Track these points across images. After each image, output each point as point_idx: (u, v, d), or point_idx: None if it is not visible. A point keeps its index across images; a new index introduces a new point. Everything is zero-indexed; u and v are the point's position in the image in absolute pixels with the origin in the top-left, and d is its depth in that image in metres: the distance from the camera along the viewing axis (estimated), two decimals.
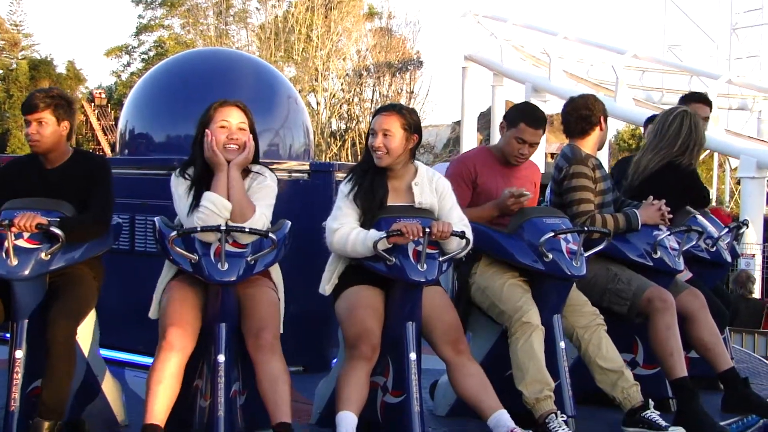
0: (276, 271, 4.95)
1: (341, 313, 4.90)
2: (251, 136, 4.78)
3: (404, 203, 4.96)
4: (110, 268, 5.20)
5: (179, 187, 4.75)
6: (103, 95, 50.72)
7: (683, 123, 6.14)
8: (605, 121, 5.85)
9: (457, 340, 4.93)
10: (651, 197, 5.79)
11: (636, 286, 5.59)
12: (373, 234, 4.68)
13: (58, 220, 4.60)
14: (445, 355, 4.92)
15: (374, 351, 4.75)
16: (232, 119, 4.74)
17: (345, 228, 4.81)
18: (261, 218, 4.64)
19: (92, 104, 48.20)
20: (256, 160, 4.87)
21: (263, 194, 4.76)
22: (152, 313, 4.79)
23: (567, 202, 5.65)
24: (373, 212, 4.88)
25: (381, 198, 4.92)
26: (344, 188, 4.97)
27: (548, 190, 6.02)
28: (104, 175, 4.94)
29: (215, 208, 4.54)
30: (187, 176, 4.77)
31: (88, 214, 4.79)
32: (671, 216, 5.77)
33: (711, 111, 6.97)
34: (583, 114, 5.78)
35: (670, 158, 6.08)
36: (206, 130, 4.68)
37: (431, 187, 5.00)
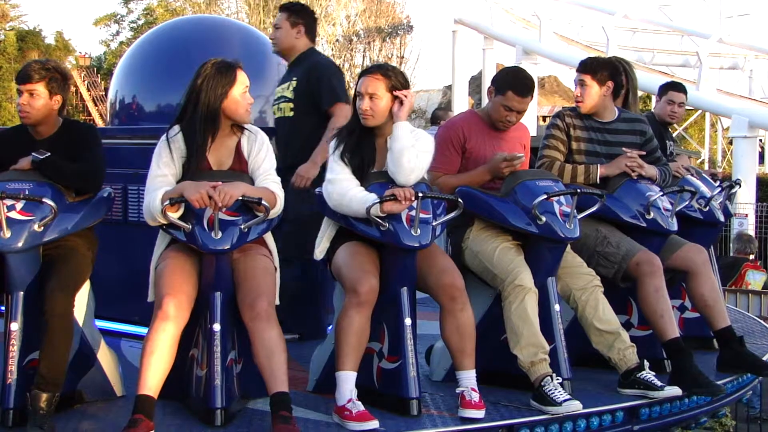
0: (270, 240, 4.95)
1: (339, 265, 4.90)
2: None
3: (386, 162, 4.94)
4: (104, 239, 5.19)
5: (160, 154, 4.79)
6: (86, 54, 50.67)
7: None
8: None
9: (453, 285, 4.92)
10: (630, 149, 5.86)
11: (625, 250, 5.60)
12: (369, 198, 4.69)
13: (41, 157, 4.66)
14: (440, 301, 4.94)
15: (373, 293, 4.73)
16: (247, 83, 4.81)
17: (345, 182, 4.84)
18: (280, 190, 4.75)
19: (79, 69, 47.95)
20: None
21: (264, 156, 4.82)
22: (151, 296, 4.75)
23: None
24: (363, 171, 4.91)
25: (369, 155, 4.95)
26: (331, 146, 5.01)
27: None
28: (92, 141, 4.93)
29: (151, 210, 4.60)
30: (171, 148, 4.78)
31: (74, 164, 4.79)
32: (641, 167, 5.78)
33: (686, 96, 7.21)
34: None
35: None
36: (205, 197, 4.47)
37: (412, 140, 4.95)
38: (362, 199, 4.72)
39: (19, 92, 4.84)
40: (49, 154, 4.69)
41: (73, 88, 44.56)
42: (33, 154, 4.68)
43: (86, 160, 4.82)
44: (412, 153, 4.80)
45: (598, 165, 5.74)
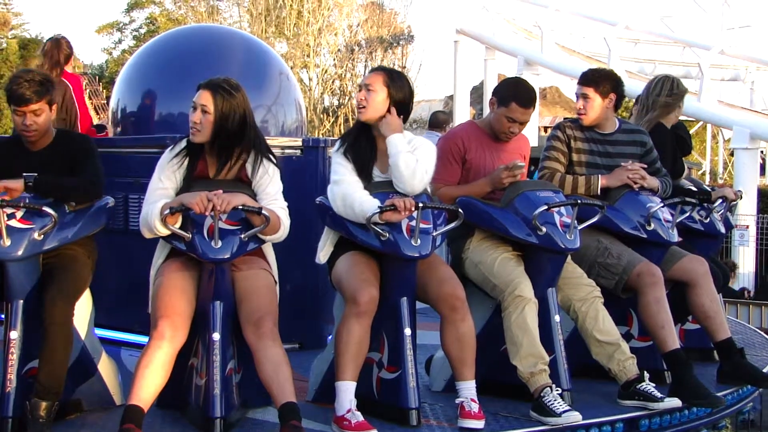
0: (269, 250, 4.95)
1: (339, 274, 4.91)
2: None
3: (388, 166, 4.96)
4: (105, 248, 5.18)
5: (162, 167, 4.81)
6: (83, 62, 50.85)
7: (663, 86, 6.40)
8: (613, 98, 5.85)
9: (453, 295, 4.92)
10: (630, 160, 5.83)
11: (626, 262, 5.60)
12: (371, 205, 4.69)
13: (34, 175, 4.58)
14: (441, 311, 4.94)
15: (373, 303, 4.74)
16: (197, 101, 4.75)
17: (350, 185, 4.86)
18: (285, 216, 4.74)
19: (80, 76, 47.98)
20: (236, 142, 4.80)
21: (269, 181, 4.79)
22: (151, 307, 4.74)
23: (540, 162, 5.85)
24: (364, 168, 4.93)
25: (368, 153, 4.98)
26: (335, 147, 5.05)
27: None
28: (89, 153, 4.90)
29: (149, 221, 4.59)
30: (174, 160, 4.79)
31: (70, 178, 4.74)
32: (644, 179, 5.77)
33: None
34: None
35: (656, 120, 6.34)
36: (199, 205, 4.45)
37: (407, 147, 4.97)
38: (365, 203, 4.73)
39: (19, 113, 4.74)
40: (36, 174, 4.60)
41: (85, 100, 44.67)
42: (24, 174, 4.60)
43: (85, 172, 4.79)
44: (408, 157, 4.83)
45: (599, 176, 5.73)
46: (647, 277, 5.53)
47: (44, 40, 8.46)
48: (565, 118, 6.03)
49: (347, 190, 4.82)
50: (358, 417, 4.57)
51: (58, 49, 7.70)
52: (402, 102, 5.00)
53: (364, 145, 4.98)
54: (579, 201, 5.20)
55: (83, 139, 5.04)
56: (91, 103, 46.87)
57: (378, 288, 4.79)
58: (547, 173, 5.74)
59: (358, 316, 4.70)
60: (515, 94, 5.44)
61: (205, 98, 4.71)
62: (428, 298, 4.97)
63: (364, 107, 4.97)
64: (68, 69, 7.87)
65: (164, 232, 4.56)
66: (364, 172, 4.93)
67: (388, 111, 4.94)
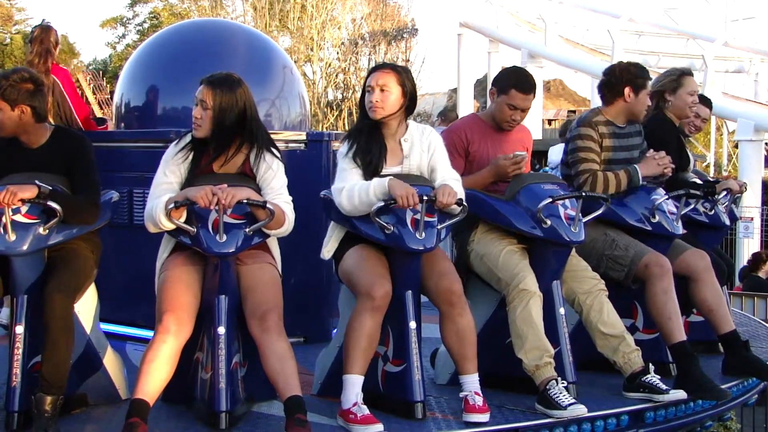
0: (274, 244, 4.95)
1: (349, 268, 4.88)
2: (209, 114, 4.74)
3: (398, 161, 4.96)
4: (110, 242, 5.18)
5: (167, 161, 4.81)
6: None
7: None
8: (634, 91, 5.79)
9: (449, 290, 4.89)
10: (651, 150, 5.83)
11: (634, 253, 5.59)
12: (372, 187, 4.69)
13: (50, 188, 4.55)
14: (439, 306, 4.92)
15: (387, 297, 4.72)
16: (198, 96, 4.76)
17: (352, 183, 4.82)
18: (290, 210, 4.74)
19: (84, 72, 47.95)
20: (235, 136, 4.80)
21: (273, 175, 4.78)
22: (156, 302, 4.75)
23: (571, 162, 5.73)
24: (373, 169, 4.90)
25: (378, 153, 4.94)
26: (343, 149, 5.00)
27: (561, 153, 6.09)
28: (86, 154, 4.86)
29: (153, 215, 4.59)
30: (179, 155, 4.79)
31: (77, 197, 4.74)
32: (673, 166, 5.81)
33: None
34: (607, 81, 5.85)
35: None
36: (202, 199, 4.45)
37: (421, 142, 5.02)
38: (364, 188, 4.73)
39: None
40: (51, 188, 4.58)
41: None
42: (36, 181, 4.56)
43: (85, 186, 4.76)
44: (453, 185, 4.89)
45: (637, 168, 5.71)
46: (655, 268, 5.52)
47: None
48: (587, 113, 5.92)
49: (350, 193, 4.78)
50: (364, 410, 4.57)
51: (48, 35, 7.32)
52: (412, 94, 5.01)
53: (373, 146, 4.95)
54: (584, 194, 5.20)
55: (81, 138, 4.99)
56: (95, 99, 46.98)
57: (390, 282, 4.80)
58: (590, 177, 5.63)
59: (373, 310, 4.69)
60: (515, 80, 5.45)
61: (204, 93, 4.72)
62: (427, 292, 4.95)
63: (380, 108, 4.95)
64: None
65: (169, 226, 4.56)
66: (373, 173, 4.92)
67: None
